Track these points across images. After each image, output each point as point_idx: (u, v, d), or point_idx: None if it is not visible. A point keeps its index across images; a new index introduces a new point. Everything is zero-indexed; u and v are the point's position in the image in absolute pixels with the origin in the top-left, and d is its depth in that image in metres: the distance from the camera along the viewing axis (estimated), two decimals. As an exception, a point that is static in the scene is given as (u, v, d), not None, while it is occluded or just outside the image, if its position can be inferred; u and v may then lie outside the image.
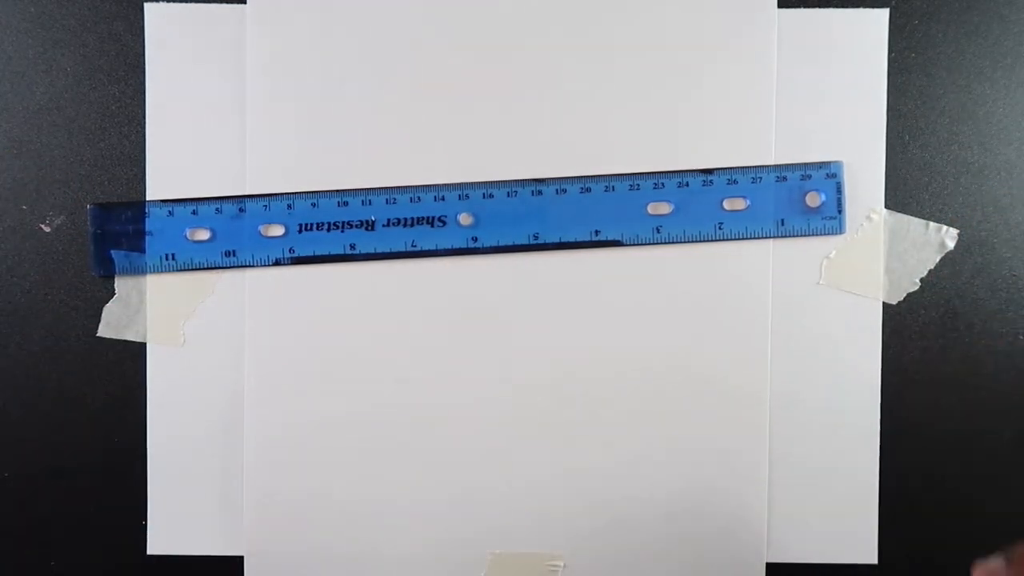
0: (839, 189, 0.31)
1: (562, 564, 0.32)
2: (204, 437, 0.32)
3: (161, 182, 0.32)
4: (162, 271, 0.32)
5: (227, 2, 0.32)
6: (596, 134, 0.32)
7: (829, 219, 0.31)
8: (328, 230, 0.32)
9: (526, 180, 0.32)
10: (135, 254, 0.32)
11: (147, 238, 0.32)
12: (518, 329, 0.32)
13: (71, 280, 0.32)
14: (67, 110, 0.32)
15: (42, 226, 0.32)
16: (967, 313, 0.32)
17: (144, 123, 0.32)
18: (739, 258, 0.32)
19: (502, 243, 0.32)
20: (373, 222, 0.32)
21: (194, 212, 0.32)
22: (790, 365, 0.32)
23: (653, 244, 0.32)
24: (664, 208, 0.31)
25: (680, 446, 0.32)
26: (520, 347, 0.32)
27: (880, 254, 0.32)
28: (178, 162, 0.32)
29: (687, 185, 0.31)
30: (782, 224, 0.31)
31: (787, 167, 0.31)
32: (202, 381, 0.32)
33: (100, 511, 0.32)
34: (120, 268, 0.32)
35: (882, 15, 0.32)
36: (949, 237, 0.32)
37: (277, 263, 0.32)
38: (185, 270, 0.32)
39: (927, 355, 0.32)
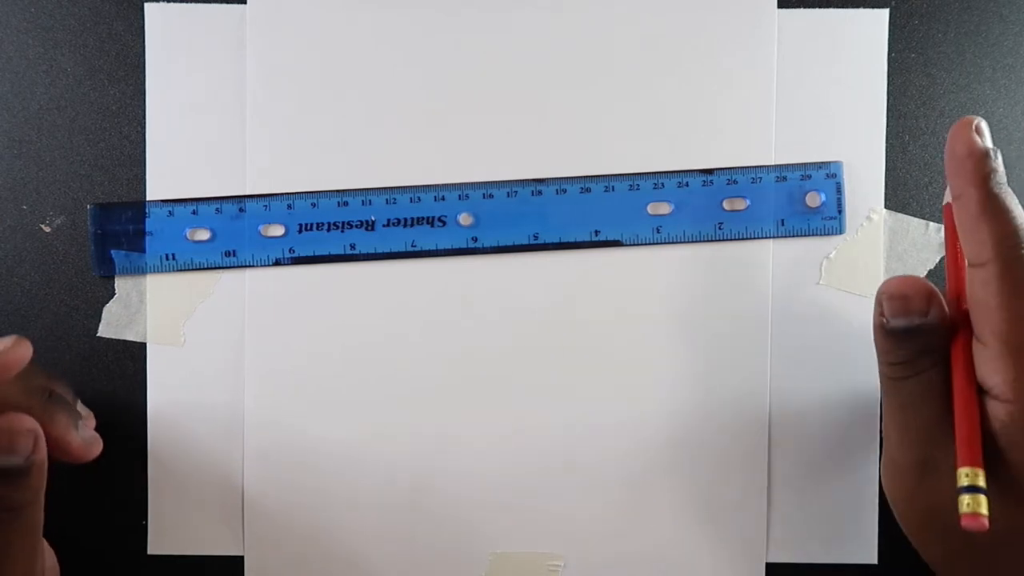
0: (839, 189, 0.31)
1: (562, 564, 0.32)
2: (204, 437, 0.32)
3: (161, 182, 0.32)
4: (162, 271, 0.32)
5: (227, 2, 0.32)
6: (596, 134, 0.32)
7: (829, 219, 0.31)
8: (328, 230, 0.32)
9: (526, 180, 0.32)
10: (135, 254, 0.32)
11: (147, 238, 0.32)
12: (518, 329, 0.32)
13: (71, 280, 0.32)
14: (67, 110, 0.32)
15: (42, 226, 0.32)
16: (967, 313, 0.32)
17: (144, 123, 0.32)
18: (739, 258, 0.32)
19: (502, 243, 0.31)
20: (373, 222, 0.32)
21: (194, 212, 0.32)
22: (790, 365, 0.32)
23: (653, 244, 0.32)
24: (664, 208, 0.31)
25: (680, 446, 0.32)
26: (520, 347, 0.32)
27: (880, 254, 0.32)
28: (178, 162, 0.32)
29: (687, 185, 0.31)
30: (782, 224, 0.31)
31: (787, 167, 0.31)
32: (202, 381, 0.32)
33: (100, 511, 0.32)
34: (120, 268, 0.32)
35: (882, 15, 0.32)
36: (949, 237, 0.32)
37: (277, 263, 0.32)
38: (185, 270, 0.32)
39: (927, 355, 0.32)
